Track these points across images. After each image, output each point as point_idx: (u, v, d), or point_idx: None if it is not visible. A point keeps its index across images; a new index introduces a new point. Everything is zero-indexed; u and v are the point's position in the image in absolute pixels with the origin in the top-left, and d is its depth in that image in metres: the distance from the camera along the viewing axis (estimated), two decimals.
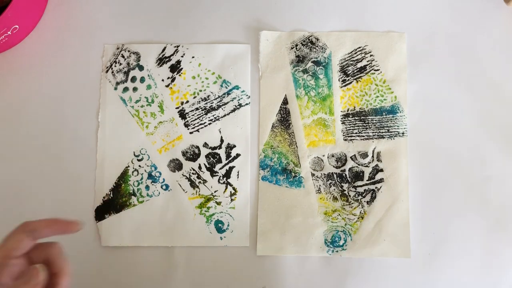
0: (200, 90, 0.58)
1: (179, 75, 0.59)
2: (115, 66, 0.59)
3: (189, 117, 0.58)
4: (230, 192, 0.56)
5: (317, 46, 0.58)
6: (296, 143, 0.57)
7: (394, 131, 0.56)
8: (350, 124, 0.57)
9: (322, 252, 0.55)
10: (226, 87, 0.58)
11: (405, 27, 0.59)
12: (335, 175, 0.56)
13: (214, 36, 0.59)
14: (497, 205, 0.55)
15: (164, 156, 0.57)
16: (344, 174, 0.56)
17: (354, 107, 0.57)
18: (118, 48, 0.59)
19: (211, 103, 0.58)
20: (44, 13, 0.61)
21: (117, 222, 0.56)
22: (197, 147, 0.57)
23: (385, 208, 0.55)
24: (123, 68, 0.59)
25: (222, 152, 0.57)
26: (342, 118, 0.57)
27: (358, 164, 0.56)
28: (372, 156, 0.56)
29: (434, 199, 0.56)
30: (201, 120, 0.58)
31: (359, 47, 0.58)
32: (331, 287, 0.54)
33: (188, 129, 0.58)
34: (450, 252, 0.55)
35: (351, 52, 0.58)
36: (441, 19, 0.59)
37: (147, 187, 0.57)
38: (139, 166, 0.57)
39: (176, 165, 0.57)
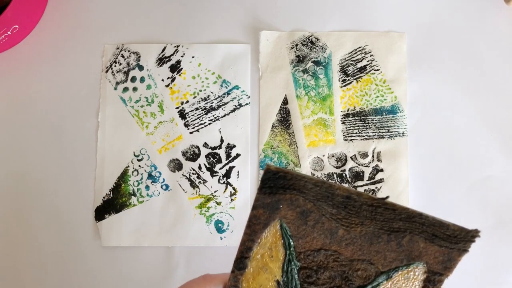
0: (200, 90, 0.58)
1: (179, 75, 0.59)
2: (115, 66, 0.59)
3: (189, 117, 0.58)
4: (230, 192, 0.56)
5: (317, 46, 0.58)
6: (296, 143, 0.57)
7: (394, 131, 0.56)
8: (350, 124, 0.57)
9: None
10: (226, 87, 0.58)
11: (405, 27, 0.59)
12: (335, 175, 0.56)
13: (214, 36, 0.59)
14: (497, 205, 0.55)
15: (164, 156, 0.57)
16: (344, 174, 0.56)
17: (354, 107, 0.57)
18: (118, 48, 0.59)
19: (211, 103, 0.58)
20: (44, 13, 0.61)
21: (117, 222, 0.56)
22: (197, 147, 0.57)
23: None
24: (123, 68, 0.59)
25: (222, 152, 0.57)
26: (342, 118, 0.57)
27: (358, 164, 0.56)
28: (372, 156, 0.56)
29: (434, 199, 0.56)
30: (201, 120, 0.58)
31: (359, 47, 0.58)
32: None
33: (188, 129, 0.58)
34: None
35: (351, 52, 0.58)
36: (441, 19, 0.59)
37: (147, 187, 0.57)
38: (139, 166, 0.57)
39: (176, 165, 0.57)
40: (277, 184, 0.32)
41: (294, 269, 0.34)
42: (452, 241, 0.33)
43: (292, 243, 0.34)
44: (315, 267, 0.34)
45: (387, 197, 0.32)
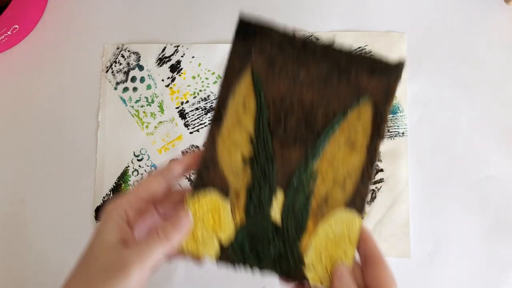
0: (200, 90, 0.58)
1: (179, 75, 0.59)
2: (115, 66, 0.59)
3: (189, 117, 0.58)
4: None
5: None
6: None
7: (394, 131, 0.56)
8: None
9: None
10: None
11: (405, 27, 0.59)
12: None
13: (214, 36, 0.59)
14: (497, 205, 0.55)
15: (164, 156, 0.57)
16: None
17: None
18: (118, 48, 0.59)
19: (211, 103, 0.58)
20: (44, 13, 0.61)
21: None
22: (197, 147, 0.57)
23: (385, 208, 0.55)
24: (123, 68, 0.59)
25: None
26: None
27: None
28: None
29: (434, 199, 0.56)
30: (201, 120, 0.58)
31: (359, 47, 0.58)
32: None
33: (188, 129, 0.58)
34: (450, 252, 0.55)
35: None
36: (441, 19, 0.59)
37: None
38: (139, 166, 0.57)
39: None
40: (249, 30, 0.37)
41: (264, 119, 0.37)
42: (387, 72, 0.38)
43: (262, 91, 0.37)
44: (283, 113, 0.37)
45: (334, 41, 0.38)
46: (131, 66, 0.59)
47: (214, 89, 0.58)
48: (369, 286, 0.37)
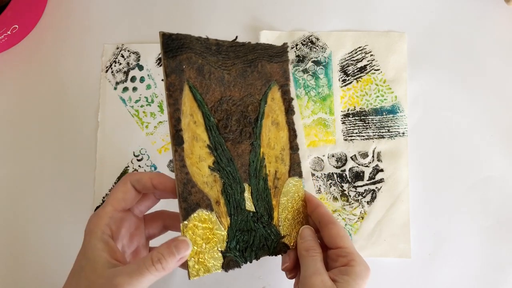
0: None
1: None
2: (115, 66, 0.59)
3: None
4: None
5: (317, 46, 0.58)
6: None
7: (395, 131, 0.56)
8: (350, 124, 0.57)
9: None
10: None
11: (405, 27, 0.59)
12: (335, 175, 0.56)
13: (214, 36, 0.59)
14: (497, 205, 0.55)
15: (164, 156, 0.57)
16: (344, 174, 0.56)
17: (354, 107, 0.57)
18: (117, 48, 0.59)
19: None
20: (43, 13, 0.61)
21: None
22: None
23: (386, 208, 0.55)
24: (122, 68, 0.59)
25: None
26: (342, 118, 0.57)
27: (358, 164, 0.56)
28: (373, 156, 0.56)
29: (434, 199, 0.56)
30: None
31: (359, 47, 0.58)
32: None
33: None
34: (450, 252, 0.55)
35: (351, 52, 0.58)
36: (441, 19, 0.59)
37: None
38: (139, 166, 0.57)
39: None
40: (174, 46, 0.39)
41: (213, 126, 0.41)
42: (280, 56, 0.44)
43: (203, 101, 0.40)
44: (225, 116, 0.41)
45: (236, 37, 0.43)
46: (131, 66, 0.59)
47: None
48: (328, 245, 0.41)
